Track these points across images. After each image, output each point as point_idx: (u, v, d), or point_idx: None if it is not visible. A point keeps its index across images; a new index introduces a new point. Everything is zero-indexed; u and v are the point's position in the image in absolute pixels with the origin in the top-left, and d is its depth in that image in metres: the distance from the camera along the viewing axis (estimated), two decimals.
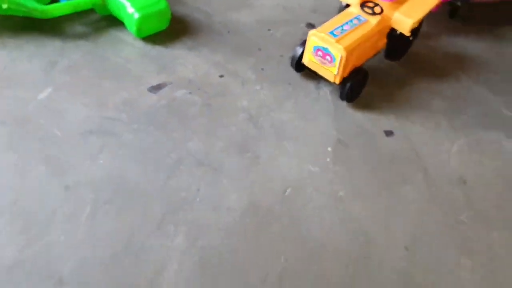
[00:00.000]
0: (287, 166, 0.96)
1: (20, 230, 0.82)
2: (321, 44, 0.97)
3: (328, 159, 0.98)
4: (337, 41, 0.95)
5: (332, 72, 1.00)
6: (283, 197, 0.91)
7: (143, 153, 0.95)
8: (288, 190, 0.92)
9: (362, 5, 1.03)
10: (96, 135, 0.98)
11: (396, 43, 1.12)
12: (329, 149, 1.00)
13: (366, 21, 1.01)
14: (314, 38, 0.98)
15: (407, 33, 1.03)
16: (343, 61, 0.97)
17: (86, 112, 1.02)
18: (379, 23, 1.01)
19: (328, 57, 0.98)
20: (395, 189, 0.95)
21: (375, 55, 1.11)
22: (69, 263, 0.79)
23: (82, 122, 1.00)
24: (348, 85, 1.02)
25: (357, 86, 1.06)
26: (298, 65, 1.10)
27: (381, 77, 1.17)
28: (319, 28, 1.00)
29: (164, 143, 0.98)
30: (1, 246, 0.79)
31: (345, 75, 1.02)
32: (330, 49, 0.97)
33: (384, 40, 1.09)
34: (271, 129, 1.03)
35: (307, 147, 1.00)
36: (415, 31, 1.12)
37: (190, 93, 1.08)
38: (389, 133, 1.05)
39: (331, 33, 0.97)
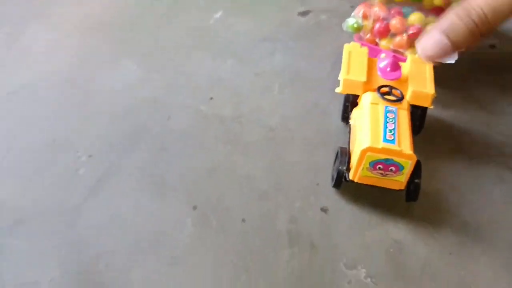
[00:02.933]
0: None
1: (228, 98, 1.08)
2: (382, 157, 0.81)
3: None
4: (400, 148, 0.80)
5: (399, 180, 0.84)
6: None
7: (308, 53, 1.21)
8: None
9: (380, 95, 0.88)
10: (267, 41, 1.24)
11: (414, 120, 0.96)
12: None
13: (399, 110, 0.86)
14: (371, 154, 0.81)
15: (430, 105, 0.90)
16: (411, 168, 0.82)
17: (254, 27, 1.29)
18: (408, 106, 0.88)
19: (392, 168, 0.82)
20: None
21: None
22: (274, 118, 1.04)
23: (253, 33, 1.27)
24: (414, 184, 0.86)
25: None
26: (340, 183, 0.89)
27: None
28: (367, 140, 0.82)
29: (322, 47, 1.23)
30: (219, 108, 1.05)
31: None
32: (395, 159, 0.80)
33: None
34: None
35: None
36: None
37: (329, 17, 1.34)
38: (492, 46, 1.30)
39: (385, 140, 0.81)
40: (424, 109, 0.96)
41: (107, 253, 0.77)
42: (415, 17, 1.06)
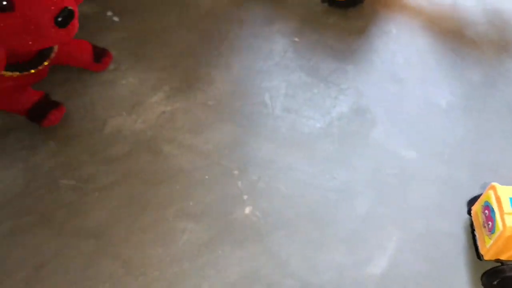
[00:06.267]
0: None
1: None
2: (492, 204, 0.77)
3: None
4: (508, 213, 0.76)
5: (487, 243, 0.78)
6: None
7: None
8: None
9: None
10: None
11: None
12: None
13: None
14: (491, 192, 0.79)
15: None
16: (501, 240, 0.75)
17: None
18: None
19: (490, 223, 0.77)
20: None
21: None
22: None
23: None
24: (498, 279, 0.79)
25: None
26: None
27: None
28: (506, 187, 0.80)
29: None
30: None
31: (503, 257, 0.80)
32: (497, 216, 0.76)
33: None
34: None
35: None
36: None
37: None
38: None
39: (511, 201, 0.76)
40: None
41: None
42: None
